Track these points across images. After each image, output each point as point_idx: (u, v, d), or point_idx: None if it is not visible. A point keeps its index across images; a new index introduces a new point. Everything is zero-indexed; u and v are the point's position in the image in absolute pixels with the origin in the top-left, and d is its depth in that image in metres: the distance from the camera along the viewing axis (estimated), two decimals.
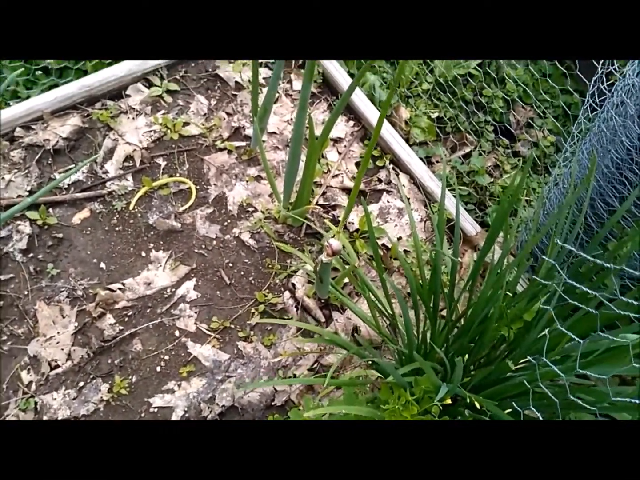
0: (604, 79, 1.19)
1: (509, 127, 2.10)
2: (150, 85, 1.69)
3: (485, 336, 1.06)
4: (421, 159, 1.90)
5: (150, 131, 1.63)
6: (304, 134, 1.28)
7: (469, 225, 1.53)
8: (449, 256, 1.09)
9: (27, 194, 1.49)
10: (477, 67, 2.10)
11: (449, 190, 1.87)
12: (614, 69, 1.18)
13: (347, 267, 1.26)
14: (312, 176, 1.30)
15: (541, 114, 2.15)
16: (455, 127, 2.05)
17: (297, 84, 1.79)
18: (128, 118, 1.64)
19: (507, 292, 1.15)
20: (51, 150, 1.55)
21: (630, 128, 1.08)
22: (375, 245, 1.20)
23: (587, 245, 1.15)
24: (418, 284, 1.18)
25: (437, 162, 2.02)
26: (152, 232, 1.51)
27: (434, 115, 2.07)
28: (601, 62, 1.16)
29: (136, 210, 1.53)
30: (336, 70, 1.77)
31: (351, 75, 2.01)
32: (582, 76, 1.59)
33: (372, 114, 1.72)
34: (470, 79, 2.10)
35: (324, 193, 1.62)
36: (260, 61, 1.79)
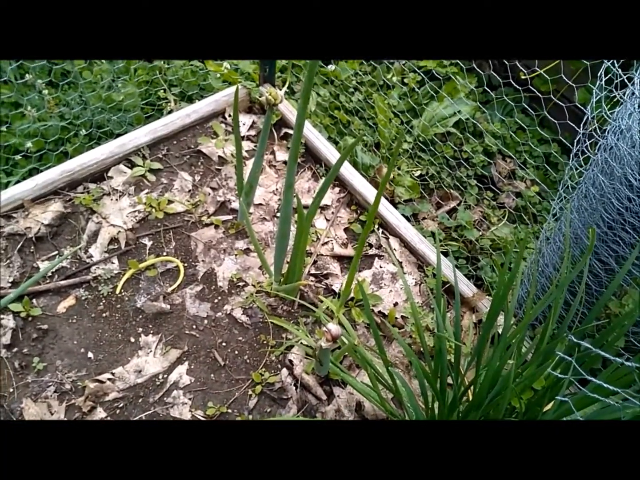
0: (586, 138, 1.21)
1: (491, 179, 2.12)
2: (132, 165, 1.68)
3: (498, 411, 1.02)
4: (406, 217, 1.90)
5: (135, 211, 1.61)
6: (292, 213, 1.27)
7: (465, 286, 1.51)
8: (453, 341, 1.07)
9: (9, 285, 1.44)
10: (455, 125, 2.14)
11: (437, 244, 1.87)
12: (594, 129, 1.20)
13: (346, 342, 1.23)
14: (302, 253, 1.28)
15: (522, 165, 2.18)
16: (439, 183, 2.07)
17: (280, 155, 1.79)
18: (111, 200, 1.62)
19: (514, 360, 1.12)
20: (33, 239, 1.51)
21: (618, 190, 1.09)
22: (371, 315, 1.17)
23: (588, 313, 1.14)
24: (424, 358, 1.15)
25: (424, 218, 2.02)
26: (140, 316, 1.46)
27: (417, 174, 2.09)
28: (582, 126, 1.18)
29: (123, 294, 1.49)
30: (317, 139, 1.79)
31: (332, 140, 2.04)
32: (553, 119, 1.62)
33: (356, 180, 1.72)
34: (448, 137, 2.13)
35: (315, 262, 1.59)
36: (242, 134, 1.80)
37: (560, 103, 1.65)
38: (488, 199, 2.08)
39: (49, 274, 1.48)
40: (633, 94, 1.11)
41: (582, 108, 1.62)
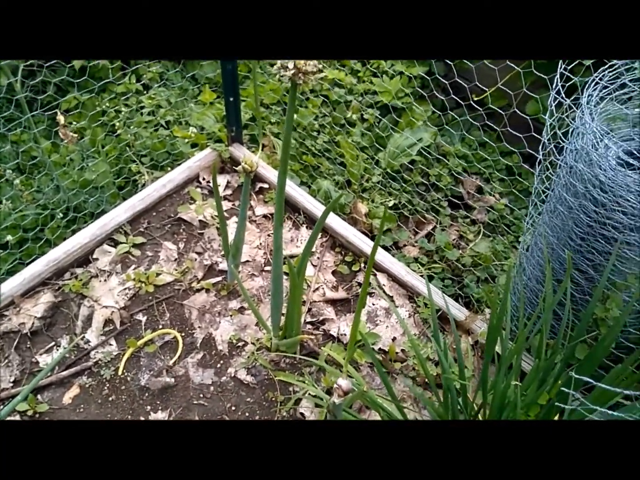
0: (546, 152, 1.28)
1: (461, 198, 2.20)
2: (116, 243, 1.70)
3: None
4: (388, 247, 1.95)
5: (125, 289, 1.63)
6: (282, 273, 1.31)
7: (457, 311, 1.56)
8: (458, 380, 1.11)
9: (11, 384, 1.44)
10: (419, 153, 2.22)
11: (421, 270, 1.92)
12: (554, 146, 1.27)
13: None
14: (299, 309, 1.32)
15: (487, 180, 2.27)
16: (413, 210, 2.13)
17: (259, 209, 1.84)
18: (100, 281, 1.63)
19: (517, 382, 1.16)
20: (28, 334, 1.51)
21: (584, 205, 1.16)
22: (374, 356, 1.21)
23: (576, 321, 1.20)
24: (429, 388, 1.19)
25: (405, 245, 2.09)
26: (146, 394, 1.47)
27: (390, 204, 2.16)
28: (540, 147, 1.26)
29: (126, 374, 1.49)
30: (294, 189, 1.84)
31: (305, 184, 2.09)
32: (508, 133, 1.70)
33: (336, 222, 1.78)
34: (413, 165, 2.21)
35: (309, 310, 1.63)
36: (222, 195, 1.84)
37: (512, 117, 1.75)
38: (461, 218, 2.16)
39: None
40: (581, 115, 1.19)
41: (535, 118, 1.72)
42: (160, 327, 1.58)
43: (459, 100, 1.98)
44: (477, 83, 2.13)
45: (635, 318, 1.28)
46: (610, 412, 1.00)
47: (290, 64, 0.85)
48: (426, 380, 1.43)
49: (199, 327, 1.59)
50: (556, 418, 1.17)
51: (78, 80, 1.85)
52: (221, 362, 1.53)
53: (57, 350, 1.52)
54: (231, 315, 1.61)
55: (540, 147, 1.30)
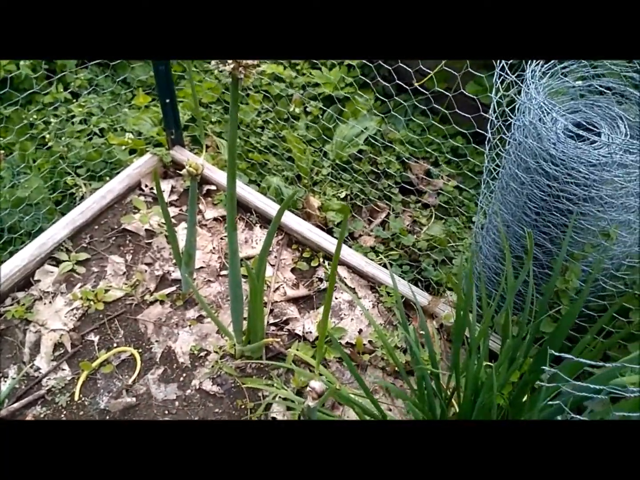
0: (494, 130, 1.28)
1: (411, 183, 2.20)
2: (58, 262, 1.60)
3: (489, 415, 1.06)
4: (345, 238, 1.93)
5: (72, 309, 1.53)
6: (241, 277, 1.26)
7: (420, 297, 1.55)
8: (430, 368, 1.10)
9: None
10: (366, 141, 2.20)
11: (379, 258, 1.91)
12: (499, 115, 1.27)
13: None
14: (261, 313, 1.27)
15: (434, 163, 2.28)
16: (365, 199, 2.12)
17: (208, 213, 1.77)
18: (44, 304, 1.53)
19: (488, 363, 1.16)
20: None
21: (537, 180, 1.16)
22: (343, 351, 1.18)
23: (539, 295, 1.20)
24: (400, 377, 1.17)
25: (360, 236, 2.07)
26: (107, 417, 1.38)
27: (342, 195, 2.13)
28: (489, 125, 1.25)
29: (83, 399, 1.40)
30: (242, 189, 1.78)
31: (254, 183, 2.03)
32: (465, 116, 1.71)
33: (289, 218, 1.73)
34: (362, 154, 2.19)
35: (271, 311, 1.58)
36: (167, 201, 1.76)
37: (453, 99, 1.75)
38: (413, 203, 2.16)
39: None
40: (527, 90, 1.19)
41: (475, 98, 1.73)
42: (115, 345, 1.49)
43: (403, 85, 1.97)
44: (419, 67, 2.13)
45: (594, 287, 1.30)
46: (580, 383, 1.01)
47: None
48: (396, 368, 1.42)
49: (156, 341, 1.51)
50: (528, 395, 1.17)
51: (2, 96, 1.72)
52: (184, 375, 1.46)
53: (5, 381, 1.41)
54: (190, 325, 1.54)
55: (488, 125, 1.30)
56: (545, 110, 1.17)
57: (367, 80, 2.08)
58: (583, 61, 1.29)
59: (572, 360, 0.95)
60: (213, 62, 0.84)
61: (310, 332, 1.52)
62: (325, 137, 2.20)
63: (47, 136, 1.91)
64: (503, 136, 1.30)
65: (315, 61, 2.40)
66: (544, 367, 0.95)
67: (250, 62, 0.85)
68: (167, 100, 1.68)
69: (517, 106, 1.27)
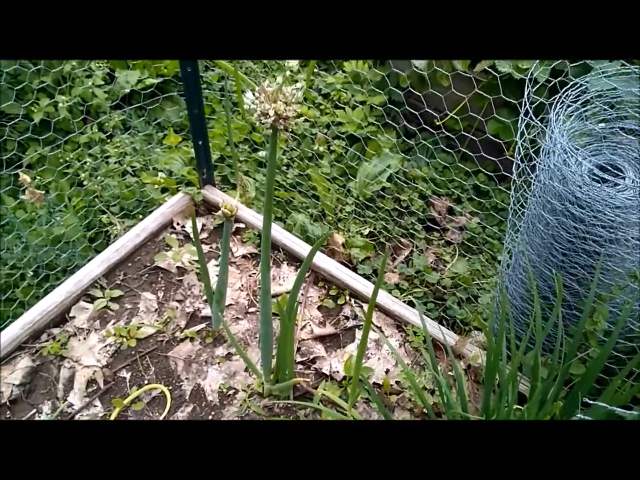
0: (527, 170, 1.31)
1: (434, 220, 2.23)
2: (92, 299, 1.65)
3: None
4: (367, 275, 1.95)
5: (106, 346, 1.57)
6: (271, 315, 1.29)
7: (448, 337, 1.56)
8: (462, 413, 1.10)
9: None
10: (388, 179, 2.24)
11: (404, 295, 1.92)
12: (522, 157, 1.30)
13: None
14: (291, 352, 1.29)
15: (457, 200, 2.30)
16: (389, 236, 2.15)
17: (238, 250, 1.81)
18: (79, 340, 1.57)
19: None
20: (7, 403, 1.44)
21: (563, 222, 1.18)
22: (373, 391, 1.19)
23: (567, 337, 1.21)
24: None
25: (385, 272, 2.09)
26: None
27: (366, 232, 2.16)
28: (514, 169, 1.28)
29: None
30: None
31: (279, 219, 2.08)
32: (487, 156, 1.75)
33: (316, 256, 1.76)
34: (384, 191, 2.23)
35: (298, 349, 1.60)
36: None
37: (474, 137, 1.79)
38: (436, 240, 2.18)
39: None
40: (551, 134, 1.22)
41: (496, 138, 1.77)
42: (146, 382, 1.52)
43: (424, 125, 2.02)
44: (438, 108, 2.18)
45: (622, 328, 1.30)
46: None
47: (271, 112, 0.85)
48: (424, 410, 1.42)
49: (186, 378, 1.54)
50: None
51: (42, 137, 1.81)
52: (213, 413, 1.48)
53: (39, 417, 1.44)
54: (219, 363, 1.57)
55: (513, 167, 1.33)
56: (570, 153, 1.20)
57: (389, 120, 2.14)
58: (606, 105, 1.32)
59: (603, 406, 0.96)
60: (255, 114, 0.89)
61: (338, 372, 1.54)
62: (349, 175, 2.24)
63: (83, 175, 1.98)
64: (527, 178, 1.33)
65: (337, 102, 2.47)
66: (575, 412, 0.95)
67: (290, 114, 0.89)
68: (200, 142, 1.75)
69: (541, 148, 1.30)
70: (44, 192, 1.75)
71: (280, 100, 0.87)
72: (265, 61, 2.64)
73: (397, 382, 1.52)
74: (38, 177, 1.98)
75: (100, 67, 2.26)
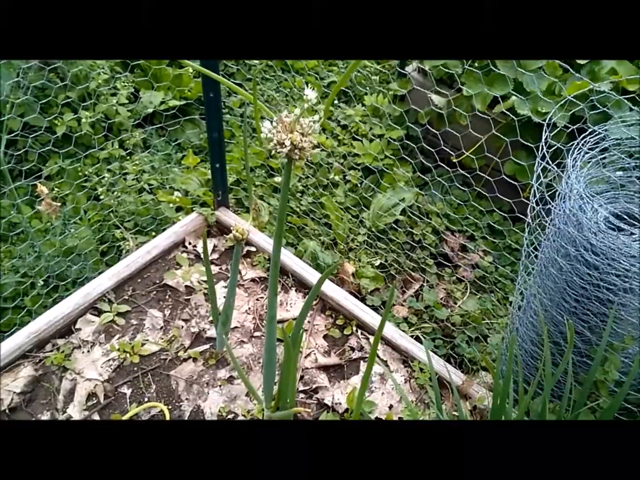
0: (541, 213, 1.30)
1: (446, 256, 2.22)
2: (99, 312, 1.65)
3: None
4: (376, 307, 1.93)
5: (109, 360, 1.56)
6: (275, 342, 1.28)
7: (454, 376, 1.54)
8: None
9: None
10: (402, 212, 2.25)
11: (412, 329, 1.90)
12: (538, 201, 1.30)
13: None
14: (293, 381, 1.28)
15: (470, 237, 2.30)
16: (399, 268, 2.14)
17: (247, 273, 1.81)
18: (83, 353, 1.57)
19: None
20: (7, 411, 1.43)
21: (577, 268, 1.17)
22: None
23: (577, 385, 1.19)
24: None
25: (393, 305, 2.07)
26: None
27: (377, 263, 2.16)
28: (529, 212, 1.28)
29: None
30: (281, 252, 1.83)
31: (291, 245, 2.09)
32: (502, 196, 1.75)
33: (325, 285, 1.76)
34: (397, 224, 2.23)
35: (301, 377, 1.58)
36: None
37: (490, 177, 1.79)
38: (448, 276, 2.17)
39: None
40: (567, 179, 1.22)
41: (512, 179, 1.77)
42: (146, 400, 1.51)
43: (440, 162, 2.03)
44: (455, 145, 2.20)
45: (635, 379, 1.27)
46: None
47: (287, 142, 0.86)
48: None
49: (186, 399, 1.52)
50: None
51: (63, 150, 1.84)
52: None
53: None
54: (220, 386, 1.55)
55: (528, 209, 1.33)
56: (586, 199, 1.19)
57: (404, 155, 2.15)
58: (624, 154, 1.32)
59: None
60: (272, 143, 0.90)
61: (340, 404, 1.51)
62: (362, 206, 2.25)
63: (100, 190, 2.01)
64: (542, 222, 1.33)
65: (355, 133, 2.50)
66: None
67: (306, 145, 0.90)
68: (217, 165, 1.77)
69: (557, 193, 1.30)
70: (60, 204, 1.77)
71: (297, 131, 0.88)
72: (286, 90, 2.68)
73: (399, 419, 1.49)
74: (56, 189, 2.01)
75: (125, 86, 2.31)
